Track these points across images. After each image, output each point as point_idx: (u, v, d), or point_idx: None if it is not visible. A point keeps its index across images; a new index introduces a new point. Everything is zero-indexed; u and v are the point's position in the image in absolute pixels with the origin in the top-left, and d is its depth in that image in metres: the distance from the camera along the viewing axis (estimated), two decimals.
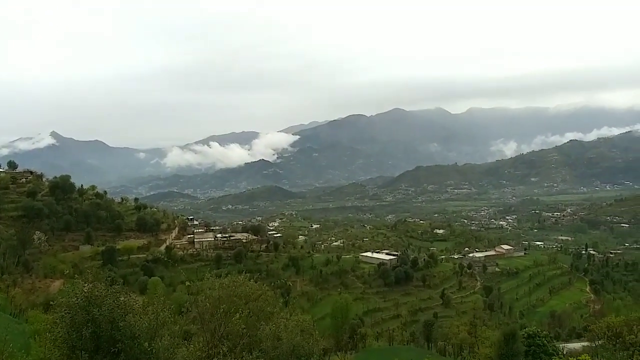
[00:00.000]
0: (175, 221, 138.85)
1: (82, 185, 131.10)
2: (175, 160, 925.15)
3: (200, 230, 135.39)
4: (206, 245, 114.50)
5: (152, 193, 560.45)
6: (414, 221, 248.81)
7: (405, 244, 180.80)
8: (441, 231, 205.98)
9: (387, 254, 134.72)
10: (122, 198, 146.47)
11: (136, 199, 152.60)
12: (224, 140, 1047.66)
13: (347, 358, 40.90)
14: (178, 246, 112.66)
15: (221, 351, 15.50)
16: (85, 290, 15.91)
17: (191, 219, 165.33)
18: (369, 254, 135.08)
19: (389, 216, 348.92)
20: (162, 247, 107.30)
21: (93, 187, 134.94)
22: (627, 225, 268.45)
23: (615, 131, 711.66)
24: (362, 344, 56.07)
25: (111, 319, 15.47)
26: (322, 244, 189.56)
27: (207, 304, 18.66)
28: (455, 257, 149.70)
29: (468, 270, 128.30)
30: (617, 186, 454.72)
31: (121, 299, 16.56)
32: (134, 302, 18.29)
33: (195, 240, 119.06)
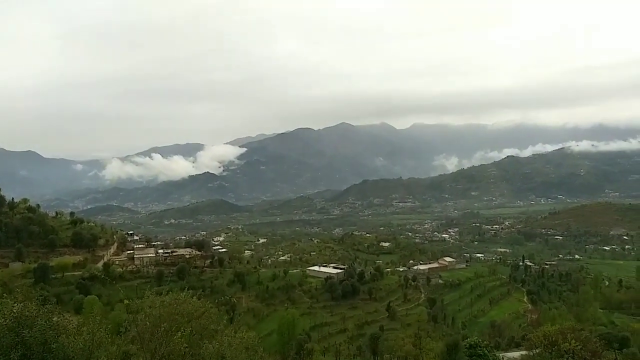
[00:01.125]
0: (114, 236, 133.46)
1: (12, 198, 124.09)
2: (115, 172, 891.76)
3: (140, 245, 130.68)
4: (147, 262, 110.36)
5: (89, 207, 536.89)
6: (361, 234, 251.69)
7: (352, 257, 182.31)
8: (387, 244, 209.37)
9: (334, 267, 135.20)
10: (56, 212, 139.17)
11: (72, 213, 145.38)
12: (167, 151, 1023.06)
13: None
14: (117, 263, 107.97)
15: None
16: (15, 311, 14.88)
17: (131, 234, 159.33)
18: (316, 268, 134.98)
19: (337, 229, 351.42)
20: (100, 264, 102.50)
21: (25, 201, 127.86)
22: (560, 237, 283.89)
23: (549, 148, 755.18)
24: None
25: (43, 340, 14.55)
26: (269, 258, 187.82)
27: (147, 322, 17.81)
28: (401, 269, 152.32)
29: (413, 283, 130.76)
30: (551, 200, 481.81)
31: (54, 319, 15.56)
32: (68, 322, 17.30)
33: (135, 256, 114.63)
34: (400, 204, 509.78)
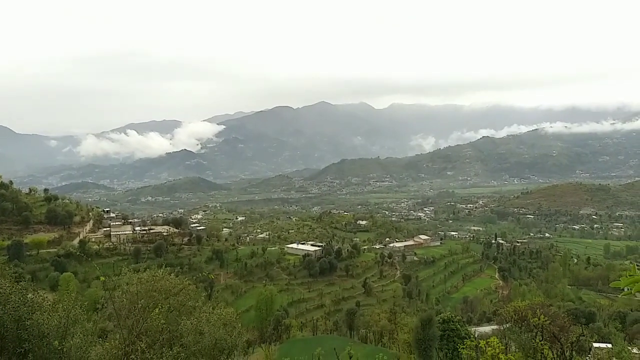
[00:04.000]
0: (90, 213, 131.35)
1: None
2: (90, 149, 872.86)
3: (117, 223, 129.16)
4: (124, 239, 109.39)
5: (64, 184, 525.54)
6: (339, 213, 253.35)
7: (330, 235, 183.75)
8: (364, 222, 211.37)
9: (312, 245, 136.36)
10: (30, 189, 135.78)
11: (46, 190, 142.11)
12: (143, 128, 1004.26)
13: (271, 349, 41.00)
14: (93, 240, 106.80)
15: (139, 348, 14.89)
16: None
17: (107, 211, 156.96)
18: (294, 245, 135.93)
19: (315, 208, 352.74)
20: (75, 241, 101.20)
21: None
22: (532, 216, 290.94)
23: (524, 129, 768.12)
24: (286, 335, 56.49)
25: (17, 317, 14.42)
26: (247, 236, 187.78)
27: (124, 299, 17.82)
28: (377, 247, 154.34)
29: (389, 260, 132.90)
30: (524, 180, 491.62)
31: (28, 296, 15.43)
32: (43, 299, 17.18)
33: (111, 233, 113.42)
34: (378, 183, 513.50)
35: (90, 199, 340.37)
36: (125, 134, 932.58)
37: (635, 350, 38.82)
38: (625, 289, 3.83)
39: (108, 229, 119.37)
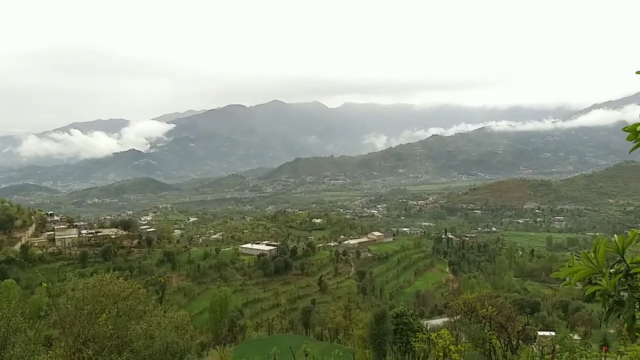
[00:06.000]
0: (32, 217, 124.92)
1: None
2: (32, 149, 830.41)
3: (62, 226, 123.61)
4: (69, 243, 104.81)
5: (3, 186, 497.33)
6: (294, 211, 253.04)
7: (285, 234, 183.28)
8: (319, 220, 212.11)
9: (267, 244, 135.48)
10: None
11: None
12: (88, 127, 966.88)
13: (226, 351, 40.45)
14: (36, 244, 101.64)
15: (85, 355, 14.30)
16: None
17: (51, 214, 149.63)
18: (248, 245, 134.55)
19: (269, 207, 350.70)
20: (17, 246, 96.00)
21: None
22: (479, 211, 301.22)
23: (471, 127, 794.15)
24: (241, 336, 55.84)
25: None
26: (200, 237, 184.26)
27: (69, 305, 17.09)
28: (332, 244, 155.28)
29: (343, 257, 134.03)
30: (472, 177, 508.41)
31: None
32: None
33: (56, 237, 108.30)
34: (332, 181, 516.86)
35: (32, 202, 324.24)
36: (69, 133, 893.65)
37: (576, 337, 41.01)
38: (566, 279, 3.88)
39: (52, 232, 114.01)
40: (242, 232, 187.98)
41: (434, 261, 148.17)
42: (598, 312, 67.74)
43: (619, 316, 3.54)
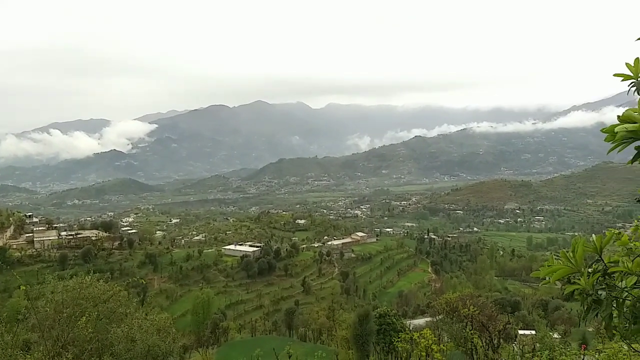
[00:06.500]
0: (11, 219, 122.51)
1: None
2: (10, 149, 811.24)
3: (41, 228, 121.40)
4: (48, 245, 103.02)
5: None
6: (277, 212, 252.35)
7: (269, 235, 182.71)
8: (302, 221, 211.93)
9: (250, 246, 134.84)
10: None
11: None
12: (69, 127, 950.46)
13: (209, 353, 40.14)
14: (14, 247, 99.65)
15: (65, 359, 14.06)
16: None
17: (30, 215, 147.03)
18: (232, 246, 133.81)
19: (253, 208, 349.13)
20: None
21: None
22: (461, 212, 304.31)
23: (453, 128, 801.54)
24: (224, 338, 55.52)
25: None
26: (182, 238, 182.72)
27: (48, 309, 16.78)
28: (316, 245, 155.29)
29: (327, 258, 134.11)
30: (454, 177, 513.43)
31: None
32: None
33: (35, 239, 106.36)
34: (316, 182, 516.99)
35: (10, 204, 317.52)
36: (49, 133, 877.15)
37: (556, 335, 41.68)
38: (546, 278, 3.90)
39: (31, 234, 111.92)
40: (225, 234, 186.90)
41: (416, 261, 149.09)
42: (577, 310, 68.93)
43: (597, 314, 3.57)
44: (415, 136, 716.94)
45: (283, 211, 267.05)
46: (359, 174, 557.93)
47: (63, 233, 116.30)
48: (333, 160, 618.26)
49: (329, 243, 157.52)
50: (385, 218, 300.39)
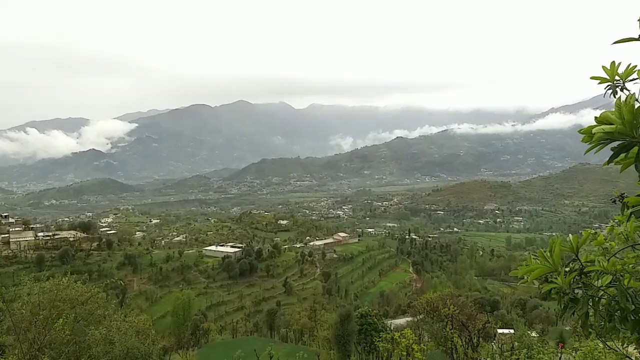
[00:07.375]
0: None
1: None
2: None
3: (17, 228, 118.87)
4: (24, 246, 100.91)
5: None
6: (259, 213, 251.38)
7: (250, 236, 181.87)
8: (285, 222, 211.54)
9: (231, 246, 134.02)
10: None
11: None
12: (46, 126, 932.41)
13: (189, 355, 39.77)
14: None
15: None
16: None
17: (5, 216, 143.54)
18: (213, 247, 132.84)
19: (234, 209, 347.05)
20: None
21: None
22: (442, 212, 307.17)
23: (434, 130, 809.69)
24: (205, 339, 55.10)
25: None
26: (162, 239, 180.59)
27: (24, 311, 16.45)
28: (298, 246, 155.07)
29: (309, 258, 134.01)
30: (434, 178, 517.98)
31: None
32: None
33: (10, 240, 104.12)
34: (298, 182, 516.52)
35: None
36: (25, 132, 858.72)
37: (534, 334, 42.36)
38: (524, 278, 3.91)
39: (7, 235, 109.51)
40: (206, 234, 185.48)
41: (398, 261, 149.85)
42: (554, 309, 70.23)
43: (573, 313, 3.59)
44: (397, 137, 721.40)
45: (265, 212, 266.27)
46: (341, 174, 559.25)
47: (40, 234, 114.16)
48: (315, 161, 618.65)
49: (311, 244, 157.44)
50: (367, 218, 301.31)
